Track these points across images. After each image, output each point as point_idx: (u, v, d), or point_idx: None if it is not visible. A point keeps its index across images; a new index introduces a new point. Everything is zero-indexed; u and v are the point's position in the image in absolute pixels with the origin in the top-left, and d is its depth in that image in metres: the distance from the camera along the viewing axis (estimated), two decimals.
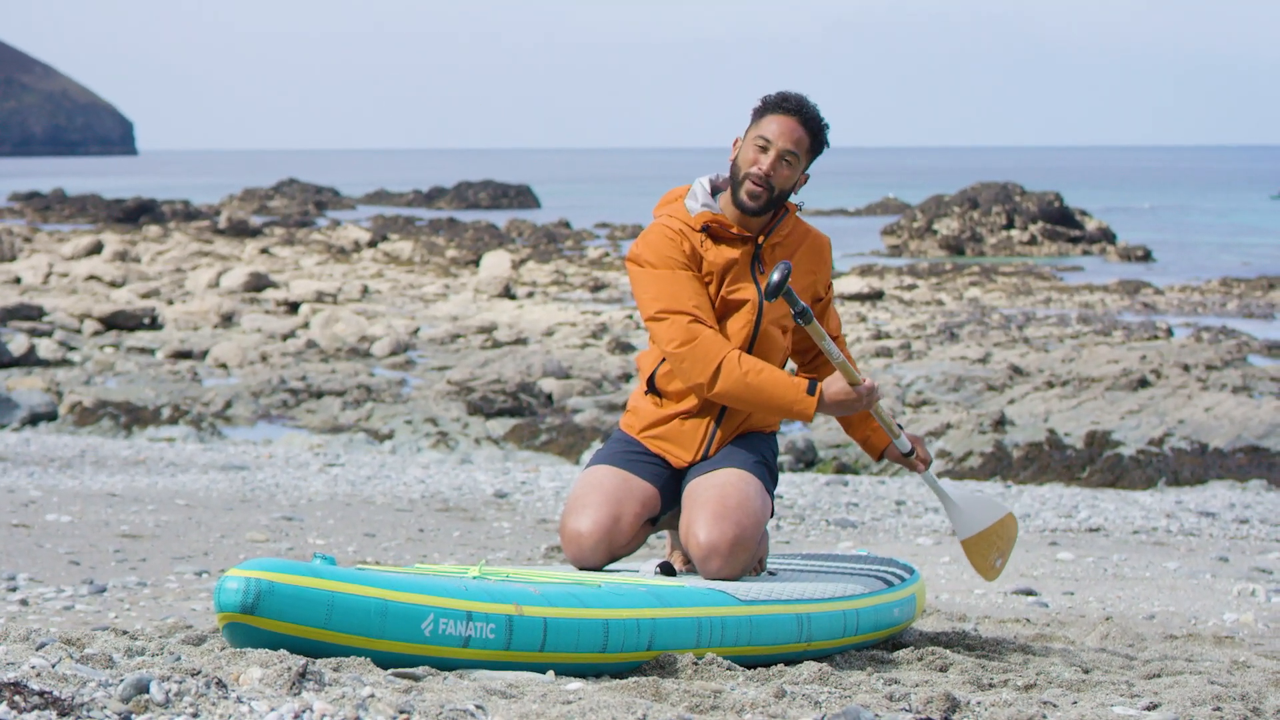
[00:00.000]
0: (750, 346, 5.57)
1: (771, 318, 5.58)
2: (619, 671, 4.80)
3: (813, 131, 5.57)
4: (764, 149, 5.53)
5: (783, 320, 5.62)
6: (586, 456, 17.42)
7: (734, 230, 5.56)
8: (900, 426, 5.78)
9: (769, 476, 5.60)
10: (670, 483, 5.60)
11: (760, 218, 5.59)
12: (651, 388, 5.63)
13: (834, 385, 5.47)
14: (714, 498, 5.43)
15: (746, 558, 5.42)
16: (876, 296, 35.12)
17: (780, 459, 17.03)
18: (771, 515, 5.64)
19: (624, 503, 5.49)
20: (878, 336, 28.34)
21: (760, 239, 5.59)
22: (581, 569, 5.46)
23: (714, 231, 5.57)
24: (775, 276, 5.31)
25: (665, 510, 5.61)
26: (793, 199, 5.65)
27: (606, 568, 5.53)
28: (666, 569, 5.51)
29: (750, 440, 5.63)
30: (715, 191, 5.66)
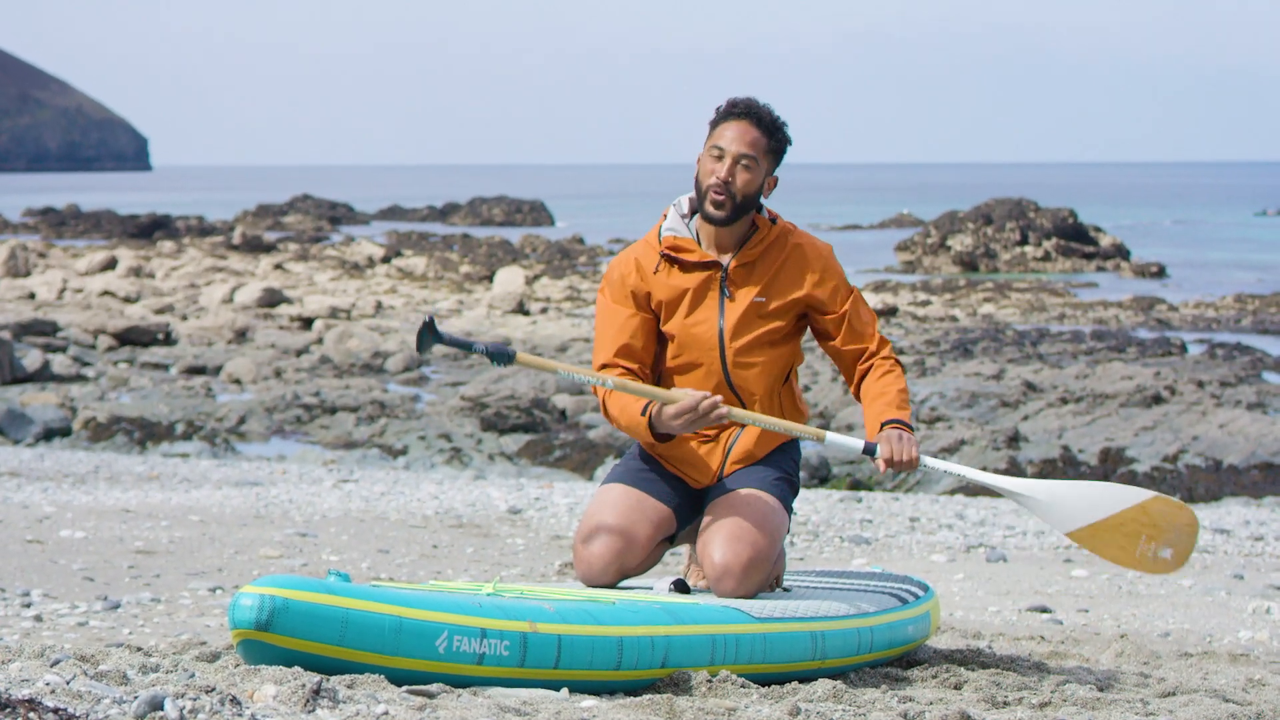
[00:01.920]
0: (727, 377, 5.51)
1: (738, 347, 5.51)
2: (633, 689, 4.80)
3: (767, 131, 5.50)
4: (719, 157, 5.48)
5: (764, 339, 5.53)
6: (600, 472, 17.42)
7: (694, 257, 5.51)
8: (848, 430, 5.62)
9: (789, 491, 5.56)
10: (687, 500, 5.58)
11: (734, 233, 5.52)
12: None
13: (668, 408, 5.37)
14: (730, 518, 5.40)
15: (761, 578, 5.40)
16: (890, 313, 35.11)
17: None
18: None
19: (637, 524, 5.47)
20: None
21: (727, 260, 5.52)
22: (592, 588, 5.46)
23: (674, 257, 5.53)
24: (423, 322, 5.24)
25: (682, 526, 5.59)
26: (771, 215, 5.58)
27: (620, 585, 5.52)
28: (681, 586, 5.50)
29: (771, 455, 5.59)
30: (693, 212, 5.62)
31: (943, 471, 5.50)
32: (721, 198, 5.46)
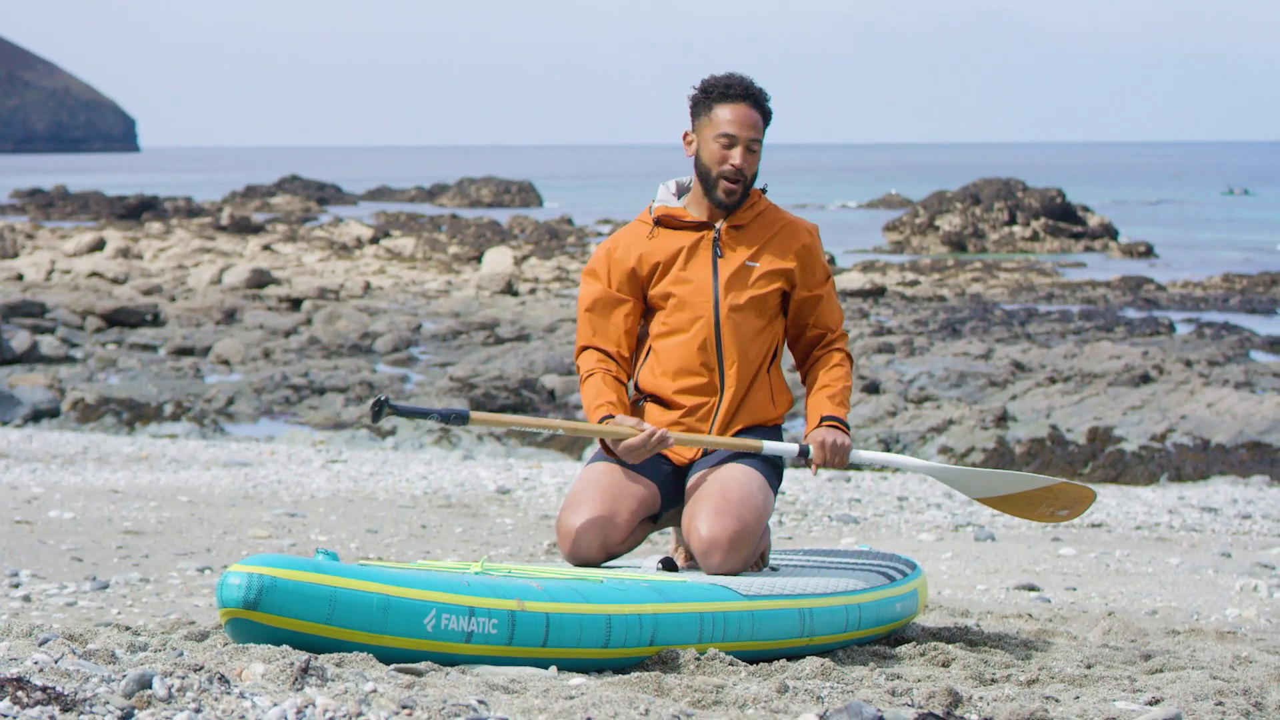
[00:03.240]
0: (717, 334, 5.52)
1: (733, 303, 5.53)
2: (621, 667, 4.80)
3: (764, 111, 5.53)
4: (729, 145, 5.48)
5: (755, 304, 5.55)
6: (589, 453, 17.42)
7: (688, 218, 5.54)
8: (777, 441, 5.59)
9: (772, 471, 5.58)
10: (671, 479, 5.59)
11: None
12: (641, 394, 5.62)
13: (621, 424, 5.40)
14: (715, 492, 5.41)
15: (748, 552, 5.40)
16: (879, 293, 35.11)
17: None
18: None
19: (621, 500, 5.47)
20: (880, 332, 28.33)
21: (718, 223, 5.56)
22: (577, 566, 5.46)
23: (668, 223, 5.57)
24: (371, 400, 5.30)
25: (667, 507, 5.59)
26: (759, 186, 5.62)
27: (608, 564, 5.53)
28: (668, 564, 5.51)
29: (754, 434, 5.61)
30: (681, 193, 5.64)
31: (873, 462, 5.67)
32: (735, 185, 5.49)
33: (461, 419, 5.32)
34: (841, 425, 5.55)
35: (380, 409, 5.20)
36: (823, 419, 5.55)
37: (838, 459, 5.48)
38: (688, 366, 5.54)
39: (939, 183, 70.87)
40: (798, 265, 5.60)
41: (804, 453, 5.50)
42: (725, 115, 5.48)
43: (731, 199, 5.49)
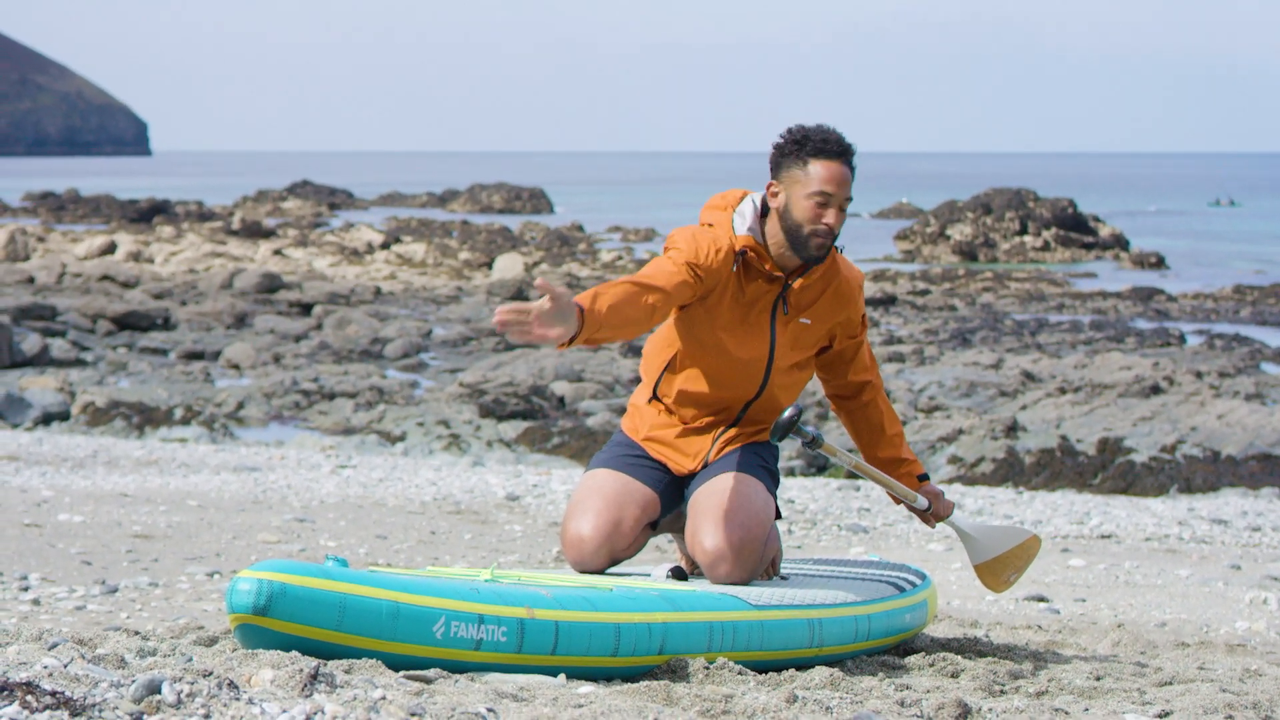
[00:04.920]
0: (761, 389, 5.51)
1: (782, 365, 5.51)
2: (630, 675, 4.80)
3: (852, 167, 5.42)
4: (824, 204, 5.35)
5: (802, 364, 5.57)
6: (590, 462, 17.45)
7: (768, 267, 5.42)
8: (920, 487, 5.77)
9: (770, 479, 5.58)
10: (670, 487, 5.59)
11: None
12: (655, 395, 5.61)
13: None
14: (717, 504, 5.41)
15: (754, 561, 5.40)
16: (889, 302, 35.11)
17: (791, 463, 17.02)
18: (779, 517, 5.62)
19: (625, 507, 5.47)
20: (890, 341, 28.32)
21: (792, 280, 5.46)
22: (582, 572, 5.46)
23: (749, 261, 5.42)
24: (786, 415, 5.30)
25: (665, 514, 5.60)
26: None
27: (613, 571, 5.53)
28: (678, 573, 5.51)
29: (751, 446, 5.60)
30: (760, 215, 5.49)
31: (958, 525, 5.96)
32: (827, 243, 5.39)
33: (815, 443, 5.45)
34: (927, 479, 5.85)
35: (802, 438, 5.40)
36: (920, 478, 5.78)
37: (946, 515, 5.80)
38: (718, 406, 5.56)
39: (950, 192, 70.89)
40: (843, 318, 5.59)
41: (929, 508, 5.79)
42: (820, 173, 5.35)
43: (822, 253, 5.40)
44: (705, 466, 5.57)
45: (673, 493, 5.60)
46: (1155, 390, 21.89)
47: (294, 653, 4.21)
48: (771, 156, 5.47)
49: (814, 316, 5.52)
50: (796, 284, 5.46)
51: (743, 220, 5.44)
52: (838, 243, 5.53)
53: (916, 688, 4.90)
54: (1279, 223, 79.02)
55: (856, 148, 5.46)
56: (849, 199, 5.40)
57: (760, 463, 5.58)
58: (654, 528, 5.59)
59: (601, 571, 5.47)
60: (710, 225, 5.46)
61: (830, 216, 5.36)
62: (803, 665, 5.19)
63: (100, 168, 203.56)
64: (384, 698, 3.93)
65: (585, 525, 5.44)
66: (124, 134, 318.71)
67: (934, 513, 5.73)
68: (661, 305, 5.19)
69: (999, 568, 5.97)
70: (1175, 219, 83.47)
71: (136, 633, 4.91)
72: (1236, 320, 33.86)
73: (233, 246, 46.76)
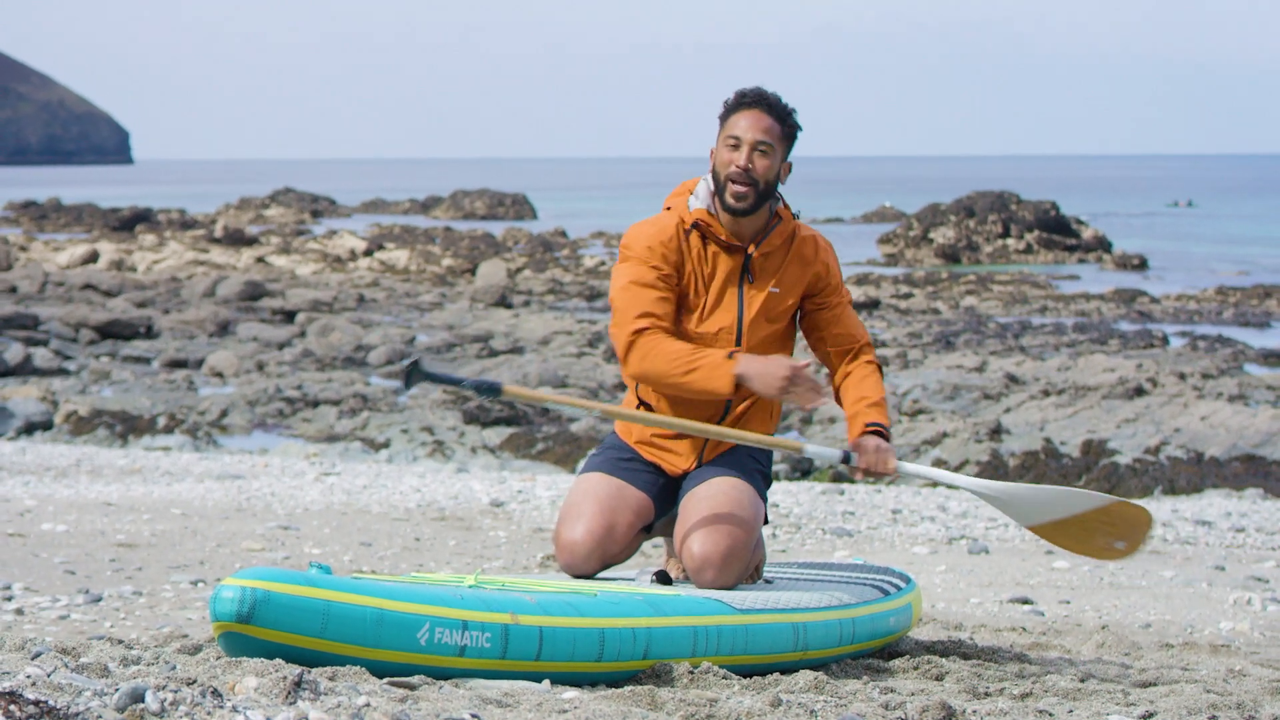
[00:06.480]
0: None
1: (754, 337, 5.52)
2: (615, 680, 4.80)
3: (779, 117, 5.47)
4: (735, 146, 5.44)
5: (774, 334, 5.56)
6: (582, 465, 17.43)
7: (723, 237, 5.47)
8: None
9: (762, 483, 5.58)
10: (664, 490, 5.59)
11: (753, 223, 5.49)
12: (640, 401, 5.61)
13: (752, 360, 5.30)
14: (707, 509, 5.41)
15: (740, 568, 5.41)
16: (873, 305, 35.14)
17: (776, 467, 17.03)
18: (766, 522, 5.62)
19: (618, 511, 5.48)
20: (874, 345, 28.35)
21: (751, 249, 5.50)
22: (575, 577, 5.46)
23: (704, 232, 5.47)
24: (404, 361, 5.29)
25: (659, 517, 5.60)
26: (789, 205, 5.59)
27: (601, 575, 5.53)
28: (663, 578, 5.51)
29: (744, 447, 5.60)
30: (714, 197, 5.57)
31: (916, 475, 5.55)
32: (744, 188, 5.42)
33: (494, 390, 5.28)
34: (885, 433, 5.51)
35: (412, 373, 5.20)
36: (866, 426, 5.50)
37: (882, 465, 5.42)
38: (700, 400, 5.52)
39: (933, 195, 70.92)
40: (814, 282, 5.59)
41: (846, 458, 5.45)
42: (735, 122, 5.46)
43: (742, 203, 5.42)
44: (700, 466, 5.56)
45: (667, 495, 5.59)
46: (1139, 392, 21.92)
47: (278, 660, 4.21)
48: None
49: (782, 285, 5.53)
50: (755, 254, 5.49)
51: (696, 199, 5.53)
52: (795, 210, 5.57)
53: (901, 691, 4.91)
54: (1253, 224, 79.38)
55: (790, 106, 5.50)
56: (766, 144, 5.42)
57: (754, 465, 5.58)
58: (648, 531, 5.59)
59: (594, 576, 5.47)
60: (669, 209, 5.56)
61: (741, 157, 5.41)
62: (787, 669, 5.19)
63: (82, 176, 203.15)
64: (368, 705, 3.92)
65: (579, 530, 5.44)
66: (106, 143, 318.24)
67: (861, 466, 5.42)
68: (674, 309, 5.44)
69: (1079, 532, 5.52)
70: (1139, 220, 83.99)
71: (120, 641, 4.90)
72: (1219, 321, 33.91)
73: (215, 254, 46.69)
